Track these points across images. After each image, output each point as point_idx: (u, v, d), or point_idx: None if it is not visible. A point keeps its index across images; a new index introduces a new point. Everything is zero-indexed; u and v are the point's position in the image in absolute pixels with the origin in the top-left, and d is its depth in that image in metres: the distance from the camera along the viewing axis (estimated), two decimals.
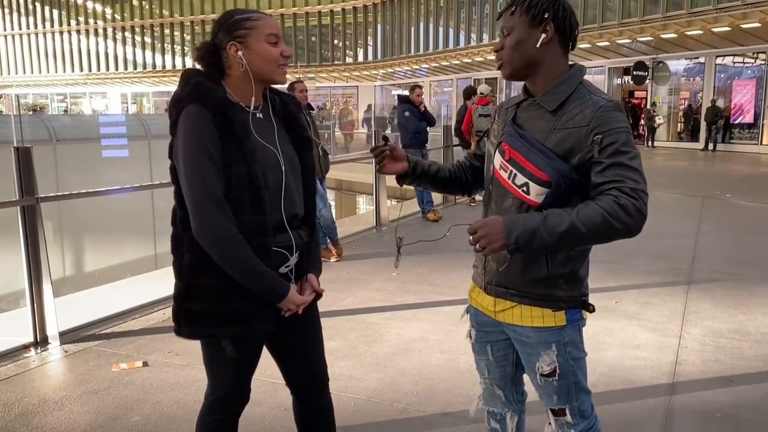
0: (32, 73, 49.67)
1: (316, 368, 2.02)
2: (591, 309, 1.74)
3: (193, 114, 1.69)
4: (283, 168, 1.81)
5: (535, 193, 1.59)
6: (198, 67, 1.83)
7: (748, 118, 20.11)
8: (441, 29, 31.59)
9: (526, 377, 1.91)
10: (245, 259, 1.71)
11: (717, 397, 3.14)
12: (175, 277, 1.82)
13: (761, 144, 19.34)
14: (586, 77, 1.70)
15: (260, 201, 1.73)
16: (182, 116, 1.71)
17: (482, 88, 9.12)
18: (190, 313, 1.79)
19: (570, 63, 1.71)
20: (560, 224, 1.50)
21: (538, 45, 1.64)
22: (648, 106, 22.45)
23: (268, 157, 1.78)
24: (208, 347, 1.86)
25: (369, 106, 33.59)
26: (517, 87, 1.79)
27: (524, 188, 1.61)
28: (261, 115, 1.83)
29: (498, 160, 1.70)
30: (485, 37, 28.11)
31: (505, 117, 1.78)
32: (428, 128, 8.30)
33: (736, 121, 20.43)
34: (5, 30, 50.11)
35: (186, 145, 1.69)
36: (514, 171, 1.63)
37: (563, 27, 1.65)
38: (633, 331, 4.02)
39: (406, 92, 8.26)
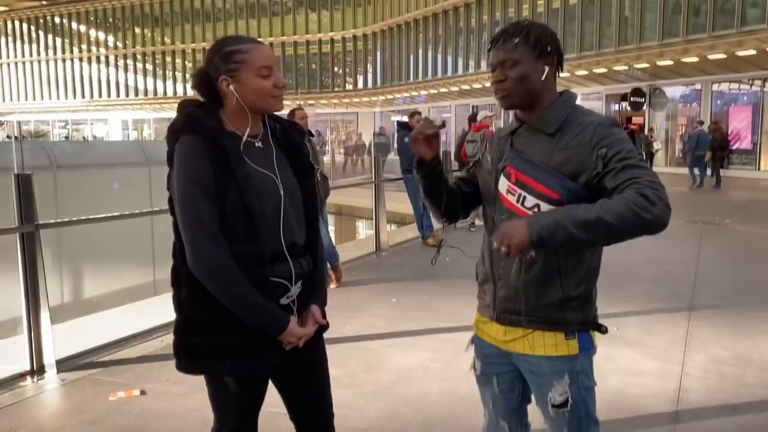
0: (35, 100, 50.11)
1: (323, 404, 1.97)
2: (603, 330, 1.72)
3: (187, 145, 1.68)
4: (281, 195, 1.77)
5: None
6: (197, 94, 1.81)
7: (746, 144, 20.20)
8: (440, 57, 31.90)
9: (530, 408, 1.89)
10: (240, 290, 1.66)
11: (721, 425, 3.10)
12: (175, 311, 1.78)
13: (759, 170, 19.41)
14: (584, 103, 1.72)
15: (255, 229, 1.69)
16: (177, 147, 1.69)
17: (480, 115, 9.16)
18: (190, 347, 1.75)
19: (559, 90, 1.72)
20: (585, 214, 1.48)
21: (543, 78, 1.65)
22: (646, 132, 22.57)
23: (266, 185, 1.74)
24: (212, 382, 1.82)
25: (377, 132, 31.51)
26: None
27: (535, 209, 1.61)
28: (260, 144, 1.80)
29: (504, 184, 1.69)
30: (483, 64, 28.38)
31: (499, 146, 1.77)
32: None
33: (734, 147, 20.53)
34: (8, 57, 50.69)
35: (180, 176, 1.67)
36: (523, 193, 1.63)
37: (559, 58, 1.68)
38: (635, 359, 3.98)
39: (406, 118, 8.30)
